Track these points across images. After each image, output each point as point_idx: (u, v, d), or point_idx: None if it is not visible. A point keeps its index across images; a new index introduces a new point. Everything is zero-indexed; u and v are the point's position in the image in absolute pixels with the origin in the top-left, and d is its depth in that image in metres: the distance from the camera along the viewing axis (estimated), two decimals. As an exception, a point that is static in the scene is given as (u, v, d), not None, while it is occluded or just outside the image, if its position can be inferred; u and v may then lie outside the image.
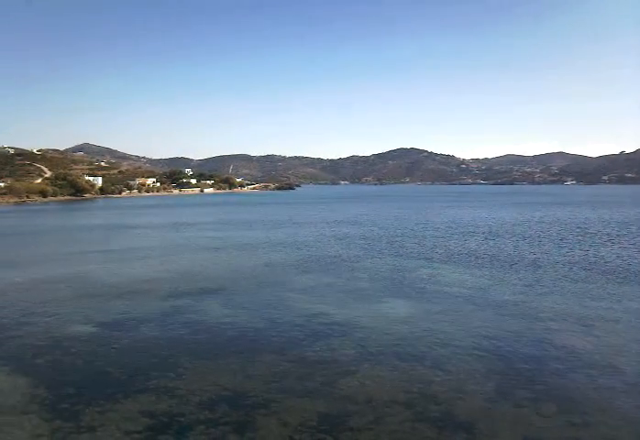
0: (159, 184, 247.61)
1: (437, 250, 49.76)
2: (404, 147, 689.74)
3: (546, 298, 29.70)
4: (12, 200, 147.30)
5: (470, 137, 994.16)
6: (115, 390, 16.57)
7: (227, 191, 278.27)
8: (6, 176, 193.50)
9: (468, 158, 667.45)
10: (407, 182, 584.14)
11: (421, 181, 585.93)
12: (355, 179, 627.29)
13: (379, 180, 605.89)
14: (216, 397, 16.13)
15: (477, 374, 18.19)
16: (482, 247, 51.50)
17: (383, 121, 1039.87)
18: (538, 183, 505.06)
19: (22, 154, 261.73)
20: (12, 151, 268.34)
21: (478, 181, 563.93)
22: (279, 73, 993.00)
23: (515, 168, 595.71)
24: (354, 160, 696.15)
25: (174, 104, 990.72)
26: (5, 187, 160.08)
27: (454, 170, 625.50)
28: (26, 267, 40.07)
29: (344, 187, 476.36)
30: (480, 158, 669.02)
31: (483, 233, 65.83)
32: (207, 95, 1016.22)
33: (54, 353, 20.16)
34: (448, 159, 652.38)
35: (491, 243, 55.21)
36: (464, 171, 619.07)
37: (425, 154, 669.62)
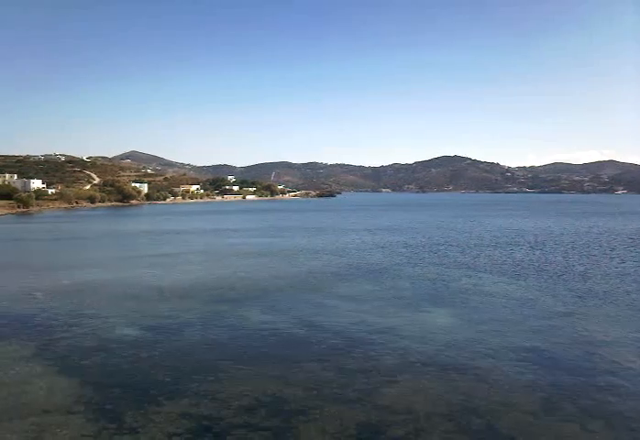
0: (202, 191, 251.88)
1: (481, 260, 48.81)
2: (447, 154, 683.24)
3: (596, 311, 28.68)
4: (62, 205, 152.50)
5: (516, 145, 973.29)
6: (158, 393, 16.85)
7: (269, 198, 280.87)
8: (57, 182, 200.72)
9: (513, 165, 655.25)
10: (450, 190, 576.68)
11: (464, 189, 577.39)
12: (396, 186, 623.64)
13: (421, 187, 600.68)
14: (256, 402, 16.19)
15: (521, 387, 17.69)
16: (528, 257, 50.23)
17: (426, 128, 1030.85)
18: (587, 192, 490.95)
19: (72, 161, 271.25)
20: (63, 158, 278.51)
21: (523, 189, 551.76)
22: (323, 80, 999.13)
23: (563, 176, 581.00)
24: (396, 168, 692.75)
25: (218, 112, 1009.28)
26: (56, 193, 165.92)
27: (498, 178, 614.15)
28: (75, 270, 41.34)
29: (385, 195, 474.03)
30: (527, 166, 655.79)
31: (529, 242, 64.26)
32: (250, 104, 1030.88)
33: (100, 355, 20.68)
34: (493, 167, 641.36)
35: (538, 253, 53.81)
36: (509, 179, 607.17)
37: (469, 162, 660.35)
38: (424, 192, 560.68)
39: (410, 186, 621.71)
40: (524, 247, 58.76)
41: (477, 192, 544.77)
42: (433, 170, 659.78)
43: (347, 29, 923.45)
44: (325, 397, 16.69)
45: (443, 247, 58.77)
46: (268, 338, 23.20)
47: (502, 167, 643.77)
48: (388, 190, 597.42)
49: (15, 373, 18.39)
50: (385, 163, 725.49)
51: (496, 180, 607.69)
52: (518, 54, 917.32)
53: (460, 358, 20.57)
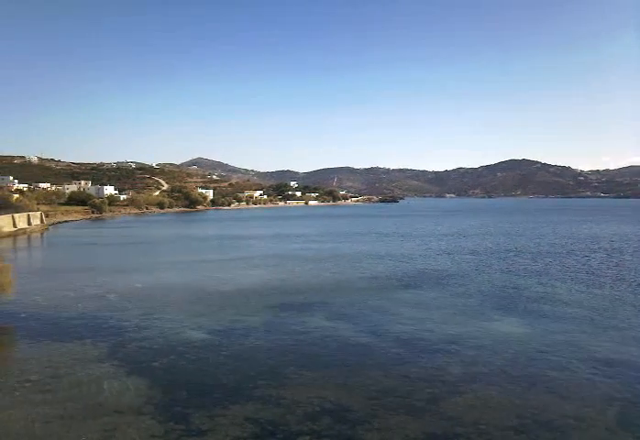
0: (265, 196, 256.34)
1: (554, 267, 46.82)
2: (515, 158, 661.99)
3: (681, 323, 26.75)
4: (133, 211, 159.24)
5: (588, 147, 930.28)
6: (224, 396, 17.05)
7: (331, 203, 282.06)
8: (129, 189, 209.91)
9: (585, 169, 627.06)
10: (518, 195, 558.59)
11: (533, 193, 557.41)
12: (461, 191, 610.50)
13: (487, 192, 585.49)
14: (320, 409, 16.07)
15: (595, 401, 16.74)
16: (604, 265, 47.75)
17: (493, 131, 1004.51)
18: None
19: (142, 168, 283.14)
20: (134, 166, 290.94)
21: (597, 193, 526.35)
22: (382, 83, 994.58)
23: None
24: (460, 173, 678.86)
25: (281, 118, 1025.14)
26: (128, 199, 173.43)
27: (570, 182, 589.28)
28: (145, 273, 42.86)
29: (449, 200, 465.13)
30: (600, 169, 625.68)
31: (606, 249, 61.11)
32: (312, 109, 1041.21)
33: (169, 357, 21.20)
34: (563, 171, 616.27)
35: (615, 261, 51.06)
36: (581, 184, 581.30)
37: (538, 165, 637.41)
38: (490, 197, 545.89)
39: (475, 191, 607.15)
40: (601, 255, 55.93)
41: (547, 196, 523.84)
42: (499, 174, 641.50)
43: (411, 32, 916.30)
44: (389, 406, 16.35)
45: (512, 254, 56.84)
46: (331, 344, 23.07)
47: (573, 170, 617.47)
48: (452, 195, 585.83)
49: (89, 373, 19.12)
50: (449, 168, 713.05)
51: (567, 184, 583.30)
52: (594, 50, 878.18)
53: (531, 369, 19.73)
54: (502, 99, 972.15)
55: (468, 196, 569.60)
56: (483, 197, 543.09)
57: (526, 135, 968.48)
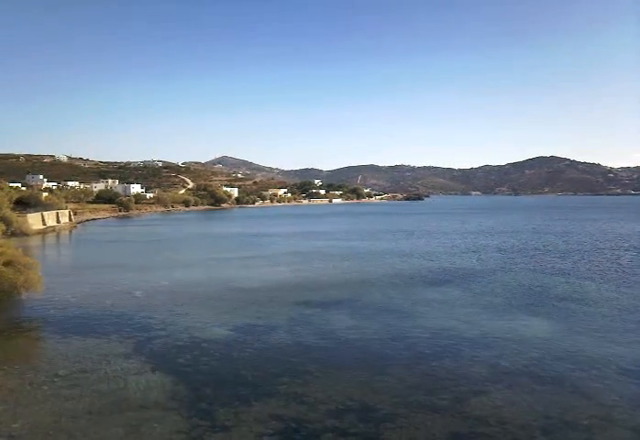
0: (289, 194, 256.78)
1: (582, 265, 45.96)
2: (543, 155, 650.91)
3: None
4: (159, 209, 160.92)
5: (619, 143, 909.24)
6: (248, 393, 17.14)
7: (355, 201, 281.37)
8: (155, 187, 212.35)
9: (615, 166, 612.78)
10: (546, 193, 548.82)
11: (561, 191, 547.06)
12: (487, 189, 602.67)
13: (514, 190, 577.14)
14: (344, 407, 16.04)
15: (625, 402, 16.40)
16: (635, 264, 46.79)
17: (520, 128, 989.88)
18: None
19: (168, 167, 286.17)
20: (160, 164, 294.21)
21: (628, 191, 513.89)
22: (408, 79, 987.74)
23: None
24: (486, 170, 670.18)
25: (306, 116, 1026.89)
26: (154, 197, 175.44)
27: (599, 179, 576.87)
28: (171, 270, 43.32)
29: (475, 198, 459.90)
30: (631, 166, 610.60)
31: (636, 248, 59.81)
32: (337, 106, 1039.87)
33: (193, 353, 21.40)
34: (593, 168, 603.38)
35: (645, 259, 49.85)
36: (611, 181, 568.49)
37: (567, 162, 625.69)
38: (517, 194, 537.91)
39: (502, 189, 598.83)
40: (631, 253, 54.73)
41: (575, 194, 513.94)
42: (527, 171, 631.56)
43: (438, 27, 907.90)
44: (413, 404, 16.24)
45: (539, 252, 55.97)
46: (355, 342, 23.01)
47: (603, 167, 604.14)
48: (478, 193, 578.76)
49: (115, 369, 19.41)
50: (475, 165, 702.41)
51: (597, 181, 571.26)
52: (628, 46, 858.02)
53: (558, 369, 19.41)
54: (530, 94, 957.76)
55: (495, 194, 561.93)
56: (510, 195, 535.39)
57: (555, 131, 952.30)
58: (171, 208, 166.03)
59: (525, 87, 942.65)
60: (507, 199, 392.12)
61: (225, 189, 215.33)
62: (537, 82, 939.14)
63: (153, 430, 14.50)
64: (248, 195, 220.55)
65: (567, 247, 60.57)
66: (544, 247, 61.72)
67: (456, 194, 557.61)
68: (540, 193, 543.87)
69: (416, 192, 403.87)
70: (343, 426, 14.72)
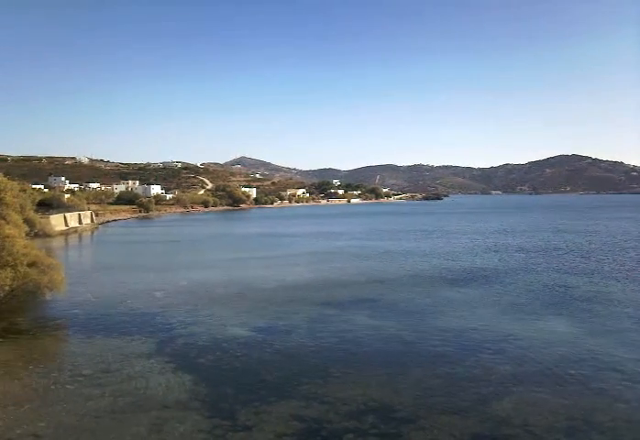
0: (308, 195, 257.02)
1: (607, 265, 45.22)
2: (564, 153, 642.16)
3: None
4: (179, 210, 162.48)
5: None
6: (269, 393, 17.15)
7: (374, 201, 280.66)
8: (174, 188, 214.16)
9: (639, 164, 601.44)
10: (567, 192, 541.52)
11: (583, 190, 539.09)
12: (508, 188, 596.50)
13: (534, 189, 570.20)
14: (365, 407, 15.96)
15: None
16: (660, 263, 45.77)
17: (540, 126, 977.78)
18: None
19: (188, 168, 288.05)
20: (179, 165, 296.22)
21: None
22: (427, 80, 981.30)
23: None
24: (507, 169, 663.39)
25: (323, 116, 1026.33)
26: (173, 198, 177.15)
27: (622, 177, 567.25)
28: (191, 271, 43.60)
29: (496, 197, 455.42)
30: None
31: (661, 247, 58.55)
32: (356, 106, 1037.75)
33: (214, 353, 21.50)
34: (616, 166, 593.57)
35: (671, 258, 48.84)
36: (634, 179, 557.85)
37: (589, 161, 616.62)
38: (538, 193, 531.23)
39: (522, 188, 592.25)
40: (655, 252, 53.62)
41: (598, 193, 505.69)
42: (548, 170, 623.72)
43: (455, 28, 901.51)
44: (434, 405, 16.11)
45: (562, 252, 55.21)
46: (375, 343, 22.91)
47: (625, 166, 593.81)
48: (498, 192, 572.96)
49: (137, 368, 19.59)
50: (495, 164, 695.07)
51: (619, 180, 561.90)
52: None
53: (582, 370, 19.13)
54: (552, 94, 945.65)
55: (515, 193, 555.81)
56: (531, 194, 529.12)
57: (576, 129, 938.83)
58: (190, 209, 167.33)
59: (547, 87, 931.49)
60: (528, 198, 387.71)
61: (243, 189, 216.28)
62: (559, 81, 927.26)
63: (175, 429, 14.58)
64: (266, 196, 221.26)
65: (590, 247, 59.65)
66: (566, 246, 60.87)
67: (475, 194, 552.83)
68: (561, 192, 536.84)
69: (435, 192, 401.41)
70: (364, 427, 14.65)
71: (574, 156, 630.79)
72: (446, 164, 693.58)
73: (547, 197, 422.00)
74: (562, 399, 16.56)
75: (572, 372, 18.95)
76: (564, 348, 21.75)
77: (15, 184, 64.87)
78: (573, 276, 39.87)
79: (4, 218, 41.17)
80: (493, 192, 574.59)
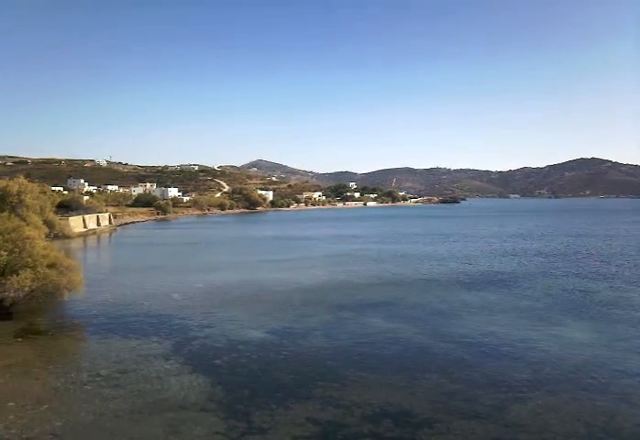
0: (324, 198, 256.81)
1: (627, 270, 44.48)
2: (584, 157, 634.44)
3: None
4: (196, 212, 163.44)
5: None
6: (285, 396, 17.12)
7: (390, 204, 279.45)
8: (191, 190, 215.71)
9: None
10: (587, 196, 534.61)
11: (603, 193, 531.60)
12: (526, 192, 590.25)
13: (553, 192, 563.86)
14: (381, 411, 15.85)
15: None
16: (682, 268, 44.92)
17: (559, 130, 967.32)
18: None
19: (205, 170, 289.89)
20: (196, 168, 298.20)
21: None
22: (443, 83, 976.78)
23: None
24: (525, 172, 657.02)
25: (340, 119, 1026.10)
26: (190, 200, 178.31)
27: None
28: (208, 273, 43.80)
29: (514, 201, 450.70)
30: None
31: (683, 252, 57.48)
32: (373, 109, 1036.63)
33: (231, 355, 21.53)
34: (636, 170, 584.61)
35: (694, 263, 47.91)
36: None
37: (609, 164, 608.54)
38: (557, 197, 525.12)
39: (541, 191, 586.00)
40: (677, 257, 52.64)
41: (618, 196, 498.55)
42: (567, 173, 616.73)
43: (472, 28, 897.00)
44: (451, 410, 15.94)
45: (581, 256, 54.48)
46: (391, 347, 22.77)
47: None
48: (516, 195, 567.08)
49: (154, 369, 19.70)
50: (513, 167, 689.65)
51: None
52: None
53: (601, 376, 18.85)
54: (569, 95, 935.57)
55: (534, 197, 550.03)
56: (550, 197, 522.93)
57: (596, 132, 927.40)
58: (207, 211, 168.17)
59: (567, 90, 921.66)
60: (546, 202, 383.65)
61: (260, 192, 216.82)
62: (577, 84, 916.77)
63: (191, 430, 14.61)
64: (282, 198, 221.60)
65: (610, 251, 58.79)
66: (586, 250, 60.06)
67: (493, 197, 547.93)
68: (581, 196, 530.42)
69: (452, 196, 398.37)
70: (380, 431, 14.54)
71: (594, 159, 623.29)
72: (463, 167, 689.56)
73: (567, 201, 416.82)
74: (581, 405, 16.33)
75: (592, 378, 18.68)
76: (584, 354, 21.45)
77: (35, 186, 66.00)
78: (593, 281, 39.32)
79: (24, 220, 41.78)
80: (512, 195, 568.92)
